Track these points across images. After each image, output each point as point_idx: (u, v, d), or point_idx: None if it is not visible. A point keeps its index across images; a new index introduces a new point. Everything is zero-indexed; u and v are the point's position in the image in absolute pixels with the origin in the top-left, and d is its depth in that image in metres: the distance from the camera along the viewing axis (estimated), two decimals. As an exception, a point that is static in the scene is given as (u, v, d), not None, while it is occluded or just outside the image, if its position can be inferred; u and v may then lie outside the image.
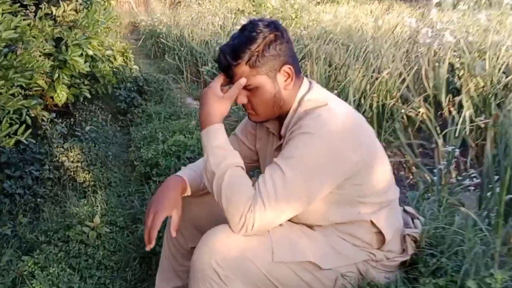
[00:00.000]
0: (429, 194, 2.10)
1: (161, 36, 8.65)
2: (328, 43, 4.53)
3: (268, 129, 1.74)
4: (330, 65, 3.38)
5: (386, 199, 1.61)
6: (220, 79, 1.59)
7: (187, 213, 1.83)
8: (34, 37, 2.71)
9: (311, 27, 5.92)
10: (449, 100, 2.91)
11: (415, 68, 3.11)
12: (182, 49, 7.28)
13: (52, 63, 3.91)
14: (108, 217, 2.93)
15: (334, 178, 1.48)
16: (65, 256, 2.54)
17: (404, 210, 1.82)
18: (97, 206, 3.04)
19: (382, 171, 1.60)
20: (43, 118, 3.85)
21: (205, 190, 1.77)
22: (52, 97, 4.12)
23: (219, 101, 1.55)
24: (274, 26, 1.54)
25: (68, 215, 2.91)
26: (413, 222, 1.77)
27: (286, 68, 1.55)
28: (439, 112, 2.99)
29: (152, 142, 3.90)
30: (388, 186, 1.63)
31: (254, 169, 2.03)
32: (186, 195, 1.78)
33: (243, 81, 1.53)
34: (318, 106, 1.54)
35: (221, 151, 1.52)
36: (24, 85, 3.35)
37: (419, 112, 2.74)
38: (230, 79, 1.57)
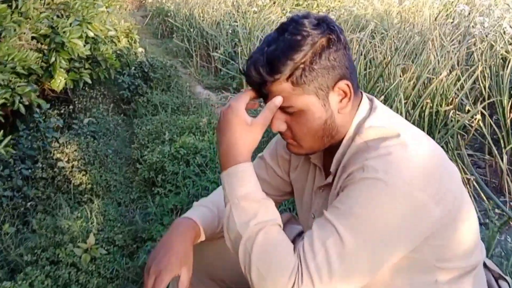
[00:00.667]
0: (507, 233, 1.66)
1: (169, 14, 8.14)
2: (359, 31, 3.96)
3: (309, 159, 1.31)
4: (366, 60, 2.87)
5: (471, 262, 1.18)
6: (246, 97, 1.15)
7: (199, 262, 1.41)
8: (15, 23, 2.27)
9: (336, 10, 5.32)
10: None
11: (471, 66, 2.64)
12: (191, 30, 6.78)
13: (47, 47, 3.55)
14: (105, 233, 2.54)
15: (409, 241, 1.07)
16: (52, 284, 2.16)
17: (484, 265, 1.37)
18: (93, 219, 2.64)
19: (469, 227, 1.17)
20: (39, 106, 3.49)
21: (222, 233, 1.37)
22: (49, 83, 3.77)
23: (246, 130, 1.12)
24: (326, 26, 1.09)
25: (59, 229, 2.52)
26: (497, 283, 1.34)
27: (343, 84, 1.11)
28: (496, 119, 2.51)
29: (158, 139, 3.48)
30: (475, 245, 1.20)
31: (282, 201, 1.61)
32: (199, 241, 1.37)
33: (278, 100, 1.09)
34: (386, 137, 1.10)
35: (250, 204, 1.10)
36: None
37: (474, 119, 2.29)
38: (263, 99, 1.14)
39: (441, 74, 2.28)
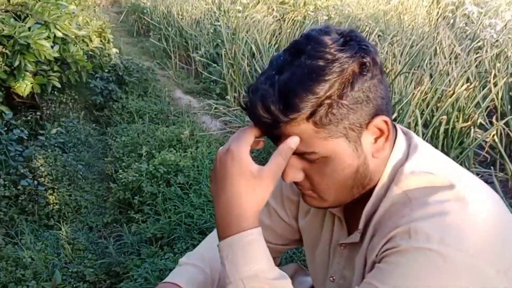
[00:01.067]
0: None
1: (145, 11, 7.75)
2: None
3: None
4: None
5: None
6: (249, 136, 0.86)
7: None
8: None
9: (325, 10, 5.03)
10: None
11: (480, 75, 2.40)
12: (169, 28, 6.43)
13: (11, 49, 3.21)
14: (74, 266, 2.22)
15: None
16: (10, 334, 1.84)
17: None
18: (60, 249, 2.32)
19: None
20: (2, 114, 3.17)
21: None
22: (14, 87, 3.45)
23: (252, 184, 0.83)
24: (357, 45, 0.81)
25: (22, 262, 2.19)
26: None
27: (379, 121, 0.83)
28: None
29: (134, 152, 3.16)
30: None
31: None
32: None
33: (294, 142, 0.81)
34: (435, 188, 0.83)
35: (262, 285, 0.81)
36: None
37: (491, 135, 2.05)
38: (273, 140, 0.86)
39: (454, 85, 2.04)
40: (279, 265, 1.25)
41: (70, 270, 2.19)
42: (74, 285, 2.11)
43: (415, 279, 0.75)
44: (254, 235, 0.82)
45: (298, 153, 0.83)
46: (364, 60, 0.79)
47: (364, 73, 0.79)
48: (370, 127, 0.82)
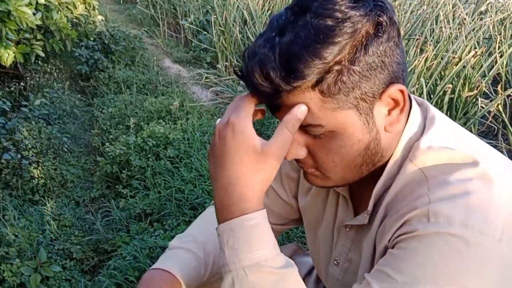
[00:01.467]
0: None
1: (132, -24, 7.47)
2: None
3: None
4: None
5: None
6: (250, 106, 0.75)
7: None
8: None
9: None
10: None
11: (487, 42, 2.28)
12: (157, -6, 6.20)
13: None
14: (60, 243, 2.14)
15: None
16: (-7, 315, 1.78)
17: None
18: (45, 225, 2.23)
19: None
20: None
21: (212, 278, 1.00)
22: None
23: (256, 162, 0.73)
24: (372, 2, 0.69)
25: (5, 240, 2.10)
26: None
27: (395, 90, 0.73)
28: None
29: (121, 124, 3.04)
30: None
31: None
32: None
33: (302, 111, 0.70)
34: (456, 165, 0.73)
35: (264, 276, 0.72)
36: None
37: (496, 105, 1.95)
38: (273, 110, 0.75)
39: (460, 52, 1.93)
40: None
41: (56, 248, 2.11)
42: (60, 263, 2.03)
43: (434, 267, 0.66)
44: (258, 218, 0.72)
45: (302, 126, 0.72)
46: (380, 19, 0.68)
47: (380, 34, 0.68)
48: (384, 98, 0.72)
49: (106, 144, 2.76)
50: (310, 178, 0.82)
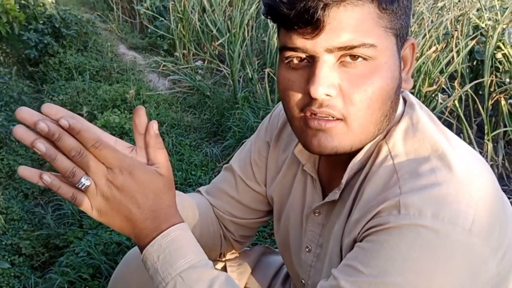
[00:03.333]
0: None
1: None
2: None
3: (298, 161, 0.89)
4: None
5: None
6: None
7: None
8: None
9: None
10: (491, 84, 2.12)
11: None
12: (111, -22, 5.98)
13: None
14: (8, 238, 2.02)
15: None
16: None
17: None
18: (-9, 220, 2.10)
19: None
20: None
21: None
22: None
23: (163, 182, 0.71)
24: None
25: None
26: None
27: (410, 44, 0.73)
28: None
29: (73, 112, 2.90)
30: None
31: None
32: None
33: (155, 128, 0.73)
34: (426, 157, 0.71)
35: (201, 271, 0.71)
36: None
37: (452, 101, 1.99)
38: (311, 33, 0.65)
39: (421, 47, 1.95)
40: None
41: (3, 243, 2.00)
42: (9, 259, 1.91)
43: (404, 260, 0.64)
44: (177, 226, 0.71)
45: (347, 49, 0.65)
46: None
47: None
48: (406, 47, 0.72)
49: (57, 133, 2.63)
50: (323, 138, 0.70)
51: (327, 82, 0.66)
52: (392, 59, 0.68)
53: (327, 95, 0.66)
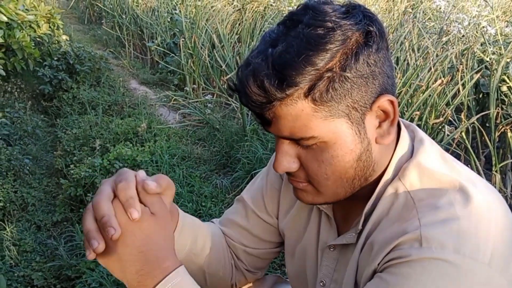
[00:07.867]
0: None
1: (97, -3, 7.41)
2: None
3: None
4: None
5: None
6: (105, 190, 0.72)
7: None
8: None
9: (284, 0, 4.93)
10: (497, 116, 2.15)
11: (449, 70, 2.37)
12: (123, 16, 6.16)
13: None
14: (21, 270, 2.04)
15: None
16: None
17: None
18: (4, 251, 2.12)
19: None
20: None
21: None
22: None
23: (154, 221, 0.71)
24: (362, 14, 0.72)
25: (-41, 267, 1.99)
26: None
27: (384, 101, 0.73)
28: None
29: (86, 146, 2.96)
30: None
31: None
32: None
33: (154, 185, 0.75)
34: (443, 190, 0.74)
35: None
36: None
37: (459, 133, 2.01)
38: (264, 124, 0.75)
39: (427, 80, 1.99)
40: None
41: (16, 274, 2.02)
42: (21, 290, 1.93)
43: None
44: (178, 272, 0.70)
45: (294, 139, 0.73)
46: (370, 28, 0.69)
47: (370, 43, 0.69)
48: (375, 108, 0.73)
49: (70, 166, 2.67)
50: (300, 194, 0.81)
51: (286, 160, 0.75)
52: (346, 134, 0.72)
53: (287, 171, 0.76)
